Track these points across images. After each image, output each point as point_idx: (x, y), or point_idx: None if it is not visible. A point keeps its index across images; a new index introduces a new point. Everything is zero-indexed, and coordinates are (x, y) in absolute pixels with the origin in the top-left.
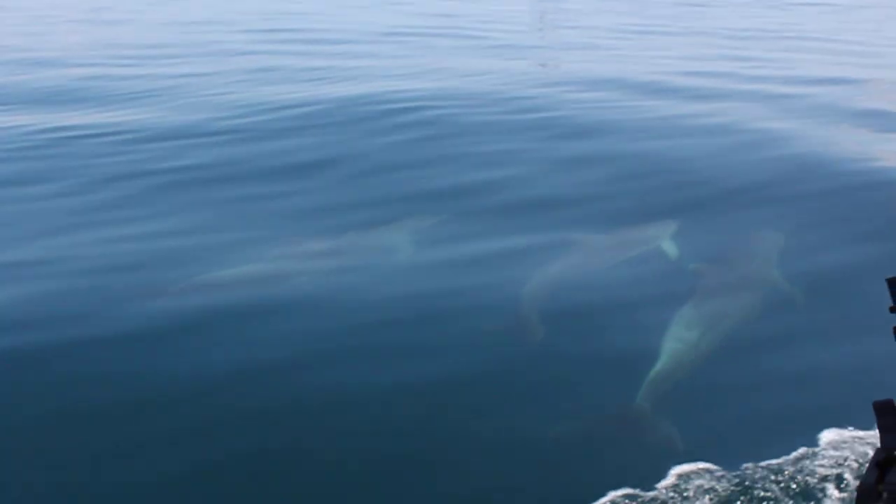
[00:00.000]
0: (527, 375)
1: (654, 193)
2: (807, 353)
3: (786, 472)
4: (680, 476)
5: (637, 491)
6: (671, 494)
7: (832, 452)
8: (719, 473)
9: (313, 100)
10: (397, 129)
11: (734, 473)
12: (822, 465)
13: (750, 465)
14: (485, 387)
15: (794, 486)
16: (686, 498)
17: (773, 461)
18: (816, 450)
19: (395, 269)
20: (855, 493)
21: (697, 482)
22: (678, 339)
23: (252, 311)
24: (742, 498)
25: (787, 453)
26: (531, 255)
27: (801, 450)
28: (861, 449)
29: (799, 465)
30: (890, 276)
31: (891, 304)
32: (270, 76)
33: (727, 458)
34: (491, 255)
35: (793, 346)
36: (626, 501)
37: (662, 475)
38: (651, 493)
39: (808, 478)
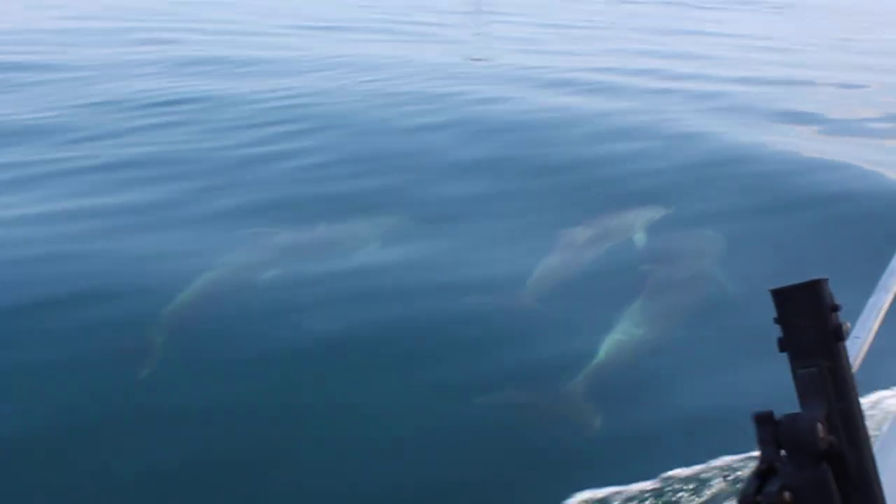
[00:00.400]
0: (458, 364)
1: (581, 191)
2: (737, 358)
3: (694, 480)
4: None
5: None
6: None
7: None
8: (628, 472)
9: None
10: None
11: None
12: (727, 475)
13: (659, 468)
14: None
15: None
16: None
17: (683, 469)
18: (716, 462)
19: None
20: None
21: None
22: (622, 332)
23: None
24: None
25: (698, 461)
26: (444, 257)
27: (705, 461)
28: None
29: (706, 475)
30: (774, 287)
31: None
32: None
33: (640, 457)
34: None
35: (725, 349)
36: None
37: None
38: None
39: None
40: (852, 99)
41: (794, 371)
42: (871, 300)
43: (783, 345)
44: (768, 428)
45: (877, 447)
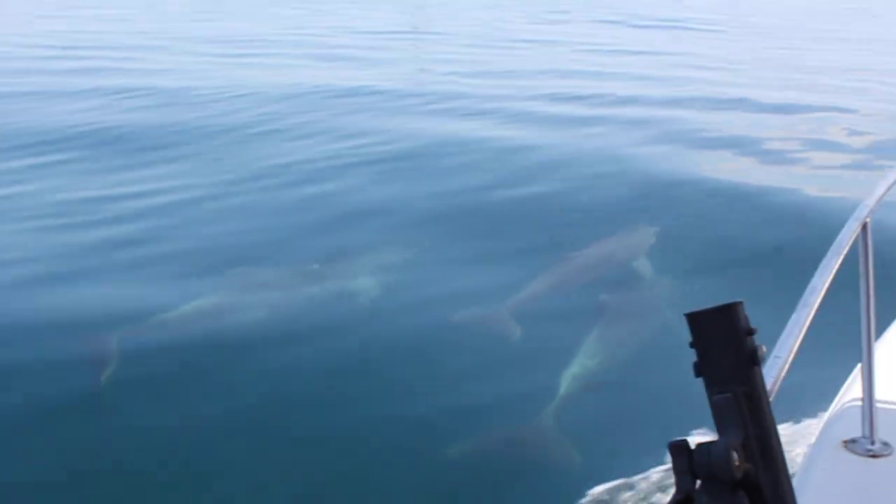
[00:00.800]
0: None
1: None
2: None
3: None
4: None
5: None
6: None
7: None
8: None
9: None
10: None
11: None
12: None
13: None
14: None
15: None
16: None
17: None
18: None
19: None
20: None
21: None
22: (580, 366)
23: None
24: None
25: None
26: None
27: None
28: None
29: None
30: (689, 311)
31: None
32: None
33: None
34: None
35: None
36: None
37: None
38: None
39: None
40: (784, 121)
41: (709, 397)
42: (792, 319)
43: (699, 370)
44: (683, 457)
45: (799, 471)
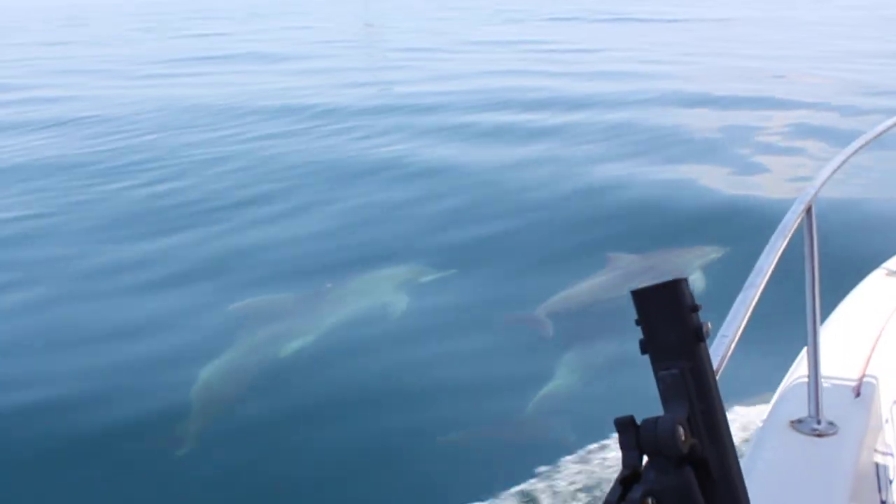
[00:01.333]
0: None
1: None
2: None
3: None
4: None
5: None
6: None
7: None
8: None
9: None
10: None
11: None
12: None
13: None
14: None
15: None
16: None
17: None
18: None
19: None
20: None
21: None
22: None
23: None
24: None
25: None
26: None
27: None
28: None
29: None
30: (635, 287)
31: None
32: None
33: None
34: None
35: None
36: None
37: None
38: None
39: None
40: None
41: (655, 373)
42: (738, 300)
43: (645, 347)
44: (629, 433)
45: (748, 451)
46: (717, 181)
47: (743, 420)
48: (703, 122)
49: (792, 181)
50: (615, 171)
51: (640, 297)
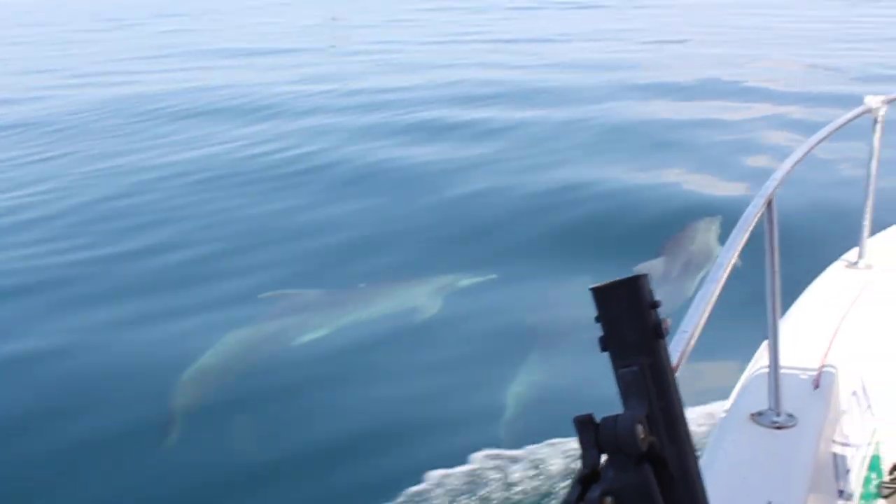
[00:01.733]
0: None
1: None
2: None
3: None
4: None
5: None
6: None
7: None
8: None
9: None
10: None
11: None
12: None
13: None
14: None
15: None
16: None
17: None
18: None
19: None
20: None
21: None
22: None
23: None
24: None
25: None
26: None
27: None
28: None
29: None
30: (594, 284)
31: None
32: None
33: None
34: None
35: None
36: None
37: None
38: None
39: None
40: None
41: (615, 370)
42: (698, 294)
43: (605, 344)
44: (588, 431)
45: (708, 444)
46: (676, 178)
47: (703, 413)
48: (663, 113)
49: (752, 176)
50: (568, 173)
51: (599, 293)
